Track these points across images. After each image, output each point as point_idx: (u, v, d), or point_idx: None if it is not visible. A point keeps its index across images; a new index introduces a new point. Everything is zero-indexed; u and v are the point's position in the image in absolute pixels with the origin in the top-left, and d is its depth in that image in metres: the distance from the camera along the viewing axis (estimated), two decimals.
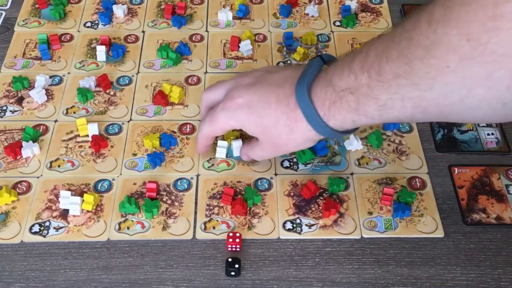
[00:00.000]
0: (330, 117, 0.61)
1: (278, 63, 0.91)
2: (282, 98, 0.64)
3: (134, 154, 0.78)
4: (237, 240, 0.68)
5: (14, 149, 0.77)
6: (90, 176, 0.76)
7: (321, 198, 0.74)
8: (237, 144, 0.76)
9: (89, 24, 0.98)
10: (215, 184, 0.75)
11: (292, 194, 0.74)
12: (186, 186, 0.75)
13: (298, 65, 0.68)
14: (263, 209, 0.72)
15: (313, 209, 0.73)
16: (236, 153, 0.77)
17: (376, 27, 0.98)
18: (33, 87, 0.86)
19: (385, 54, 0.54)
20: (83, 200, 0.72)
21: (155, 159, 0.76)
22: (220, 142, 0.76)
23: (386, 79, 0.54)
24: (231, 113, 0.67)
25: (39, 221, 0.71)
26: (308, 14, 0.99)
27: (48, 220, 0.71)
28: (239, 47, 0.92)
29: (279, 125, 0.65)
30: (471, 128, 0.82)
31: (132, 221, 0.71)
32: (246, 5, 0.99)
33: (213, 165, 0.77)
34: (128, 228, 0.71)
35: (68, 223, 0.71)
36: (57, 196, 0.73)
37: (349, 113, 0.59)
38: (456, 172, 0.77)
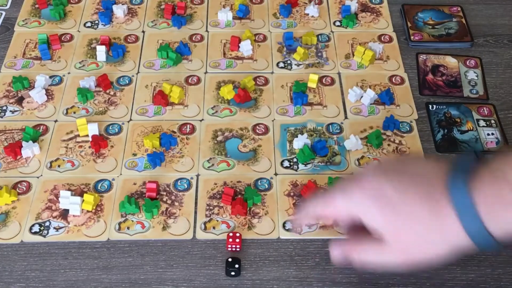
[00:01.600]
0: (498, 218, 0.49)
1: (278, 63, 0.91)
2: (426, 192, 0.52)
3: (134, 154, 0.78)
4: (237, 240, 0.68)
5: (14, 149, 0.77)
6: (90, 176, 0.76)
7: None
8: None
9: (89, 24, 0.98)
10: (215, 184, 0.75)
11: (292, 194, 0.74)
12: (186, 186, 0.75)
13: (442, 159, 0.56)
14: (263, 209, 0.72)
15: None
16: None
17: (376, 27, 0.98)
18: (33, 87, 0.86)
19: None
20: (83, 200, 0.72)
21: (155, 159, 0.76)
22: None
23: None
24: (355, 198, 0.54)
25: (39, 221, 0.71)
26: (308, 14, 0.99)
27: (48, 220, 0.71)
28: (239, 47, 0.92)
29: (419, 223, 0.52)
30: (471, 128, 0.82)
31: (132, 221, 0.71)
32: (246, 5, 0.99)
33: (213, 165, 0.77)
34: (128, 228, 0.71)
35: (68, 223, 0.71)
36: (57, 196, 0.73)
37: None
38: None
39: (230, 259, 0.66)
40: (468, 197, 0.49)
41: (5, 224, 0.71)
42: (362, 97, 0.85)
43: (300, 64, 0.91)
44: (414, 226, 0.52)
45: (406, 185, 0.53)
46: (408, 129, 0.82)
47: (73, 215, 0.71)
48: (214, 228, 0.71)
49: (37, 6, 1.00)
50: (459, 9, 1.01)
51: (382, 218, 0.53)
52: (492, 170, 0.50)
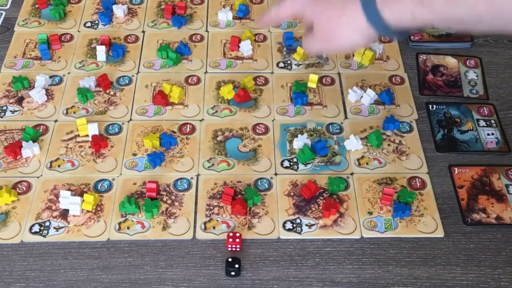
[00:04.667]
0: (387, 5, 0.58)
1: (278, 63, 0.91)
2: None
3: (134, 154, 0.78)
4: (237, 240, 0.68)
5: (14, 149, 0.77)
6: (90, 176, 0.76)
7: (321, 198, 0.74)
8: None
9: (89, 24, 0.98)
10: (215, 184, 0.75)
11: (292, 194, 0.74)
12: (186, 186, 0.75)
13: None
14: (263, 209, 0.72)
15: (313, 209, 0.73)
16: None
17: None
18: (33, 87, 0.86)
19: None
20: (83, 200, 0.72)
21: (155, 159, 0.76)
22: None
23: None
24: None
25: (39, 221, 0.71)
26: None
27: (48, 220, 0.71)
28: (239, 47, 0.92)
29: (332, 6, 0.63)
30: (471, 128, 0.82)
31: (132, 221, 0.71)
32: (246, 5, 0.99)
33: (213, 165, 0.77)
34: (128, 228, 0.71)
35: (68, 223, 0.71)
36: (57, 196, 0.73)
37: (411, 4, 0.56)
38: (456, 172, 0.77)
39: (230, 259, 0.66)
40: None
41: (5, 224, 0.71)
42: (362, 97, 0.85)
43: (300, 64, 0.91)
44: (329, 11, 0.64)
45: None
46: (408, 129, 0.82)
47: (73, 215, 0.71)
48: (214, 228, 0.71)
49: (37, 6, 1.00)
50: None
51: (310, 8, 0.66)
52: None
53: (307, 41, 0.69)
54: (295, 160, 0.78)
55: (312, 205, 0.73)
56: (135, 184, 0.75)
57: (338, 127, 0.82)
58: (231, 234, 0.68)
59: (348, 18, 0.62)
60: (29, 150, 0.77)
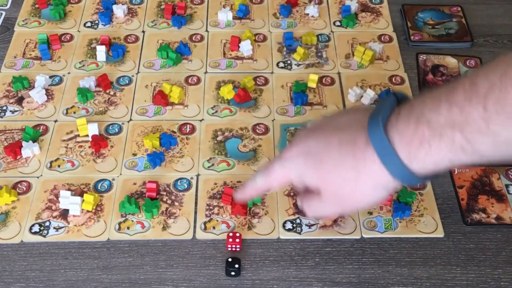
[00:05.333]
0: (417, 158, 0.50)
1: (278, 63, 0.91)
2: (348, 139, 0.54)
3: (134, 154, 0.78)
4: (237, 240, 0.68)
5: (14, 149, 0.77)
6: (90, 176, 0.76)
7: None
8: None
9: (89, 24, 0.98)
10: (215, 184, 0.75)
11: (292, 194, 0.74)
12: (186, 186, 0.75)
13: (367, 108, 0.60)
14: (263, 209, 0.72)
15: None
16: None
17: (376, 27, 0.98)
18: (33, 87, 0.86)
19: (507, 79, 0.44)
20: (83, 200, 0.72)
21: (155, 159, 0.76)
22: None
23: None
24: (288, 162, 0.58)
25: (39, 221, 0.71)
26: (308, 14, 0.99)
27: (48, 220, 0.71)
28: (239, 47, 0.92)
29: (343, 168, 0.54)
30: None
31: (132, 221, 0.71)
32: (246, 5, 0.99)
33: (213, 165, 0.77)
34: (128, 228, 0.71)
35: (68, 223, 0.71)
36: (57, 196, 0.73)
37: (450, 152, 0.48)
38: (456, 172, 0.77)
39: (230, 259, 0.66)
40: (385, 137, 0.50)
41: (5, 224, 0.71)
42: (362, 97, 0.85)
43: (300, 64, 0.91)
44: (341, 173, 0.54)
45: (330, 136, 0.55)
46: None
47: (73, 215, 0.71)
48: (214, 228, 0.71)
49: (37, 6, 1.00)
50: (459, 9, 1.01)
51: (312, 172, 0.56)
52: (408, 110, 0.51)
53: (311, 207, 0.60)
54: None
55: None
56: (135, 184, 0.75)
57: None
58: (231, 234, 0.68)
59: (367, 177, 0.53)
60: (29, 150, 0.77)
